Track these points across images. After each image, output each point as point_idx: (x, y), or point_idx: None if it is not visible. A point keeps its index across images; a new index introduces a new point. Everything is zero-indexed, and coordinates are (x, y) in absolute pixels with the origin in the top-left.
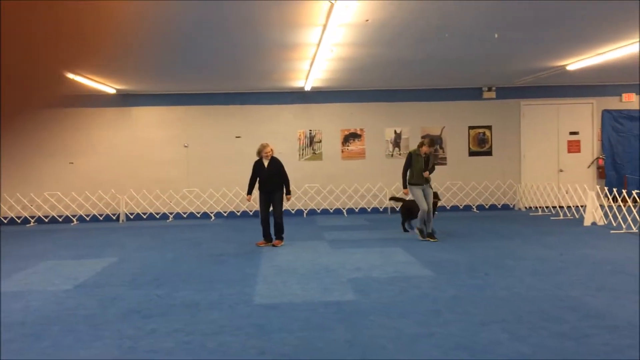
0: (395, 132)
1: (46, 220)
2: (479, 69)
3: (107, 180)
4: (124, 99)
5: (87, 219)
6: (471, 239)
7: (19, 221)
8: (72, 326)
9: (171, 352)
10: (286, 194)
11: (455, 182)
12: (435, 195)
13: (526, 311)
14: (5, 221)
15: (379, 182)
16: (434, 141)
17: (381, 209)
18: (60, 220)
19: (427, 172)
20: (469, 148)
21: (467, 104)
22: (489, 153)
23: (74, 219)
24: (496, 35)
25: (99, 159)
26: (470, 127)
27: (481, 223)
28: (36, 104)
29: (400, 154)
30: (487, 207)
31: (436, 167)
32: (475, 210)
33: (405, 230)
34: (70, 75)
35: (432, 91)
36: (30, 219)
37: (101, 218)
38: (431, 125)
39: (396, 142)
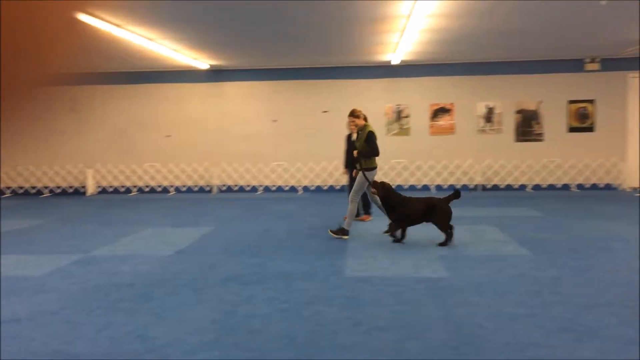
0: (487, 106)
1: (146, 190)
2: (581, 38)
3: (201, 153)
4: (216, 74)
5: (183, 189)
6: (571, 219)
7: (122, 190)
8: (176, 289)
9: (268, 318)
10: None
11: (553, 159)
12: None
13: (633, 296)
14: (110, 190)
15: (468, 158)
16: (352, 112)
17: (471, 186)
18: (158, 190)
19: (355, 152)
20: (569, 124)
21: (567, 76)
22: (590, 129)
23: (171, 190)
24: (603, 2)
25: (193, 132)
26: (571, 102)
27: (581, 203)
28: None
29: (492, 130)
30: (587, 186)
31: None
32: (574, 189)
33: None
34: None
35: (528, 63)
36: (132, 188)
37: (195, 189)
38: (527, 99)
39: (488, 117)
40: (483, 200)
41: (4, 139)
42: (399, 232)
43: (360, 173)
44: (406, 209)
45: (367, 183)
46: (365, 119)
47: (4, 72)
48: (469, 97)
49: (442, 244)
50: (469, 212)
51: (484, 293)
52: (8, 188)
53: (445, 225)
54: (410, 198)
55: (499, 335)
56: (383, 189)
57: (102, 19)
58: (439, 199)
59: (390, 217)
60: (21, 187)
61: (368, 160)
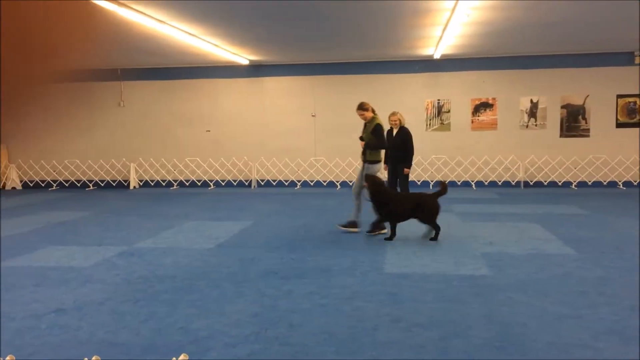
0: (531, 101)
1: (187, 184)
2: (631, 30)
3: (240, 147)
4: (255, 70)
5: (223, 184)
6: (617, 217)
7: (163, 184)
8: (216, 282)
9: (308, 313)
10: (404, 167)
11: (599, 155)
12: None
13: None
14: (152, 184)
15: (511, 154)
16: (361, 105)
17: (513, 183)
18: (198, 184)
19: (361, 143)
20: (617, 119)
21: (616, 70)
22: (639, 125)
23: (211, 184)
24: None
25: (232, 127)
26: (619, 96)
27: (628, 201)
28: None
29: (536, 125)
30: (635, 183)
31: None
32: (621, 186)
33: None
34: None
35: (574, 56)
36: (173, 182)
37: (235, 184)
38: (573, 93)
39: (532, 112)
40: (525, 197)
41: (52, 133)
42: (386, 230)
43: (366, 166)
44: (396, 206)
45: (376, 174)
46: (373, 111)
47: (16, 69)
48: (512, 92)
49: (434, 238)
50: (511, 209)
51: (528, 292)
52: (54, 181)
53: (433, 221)
54: (399, 194)
55: (544, 335)
56: (374, 184)
57: (148, 15)
58: (428, 194)
59: (379, 214)
60: (67, 180)
61: (373, 153)
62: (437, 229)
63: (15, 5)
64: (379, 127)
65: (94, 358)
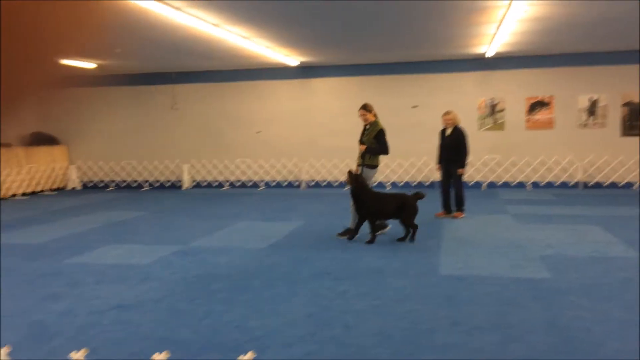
0: (590, 99)
1: (237, 185)
2: None
3: (290, 148)
4: (304, 71)
5: (273, 184)
6: None
7: (215, 185)
8: (270, 282)
9: (362, 314)
10: (458, 167)
11: None
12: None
13: None
14: (204, 184)
15: (568, 154)
16: (365, 105)
17: (571, 184)
18: (249, 185)
19: (362, 146)
20: None
21: None
22: None
23: (261, 184)
24: None
25: (282, 128)
26: None
27: None
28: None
29: (595, 124)
30: None
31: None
32: None
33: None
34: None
35: (636, 53)
36: (224, 183)
37: (284, 184)
38: (635, 90)
39: (591, 111)
40: (584, 199)
41: (110, 136)
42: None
43: (365, 170)
44: (378, 205)
45: (371, 179)
46: (375, 115)
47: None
48: (570, 90)
49: (412, 239)
50: (570, 210)
51: (591, 296)
52: (112, 181)
53: (413, 222)
54: (381, 194)
55: (610, 341)
56: (356, 182)
57: (202, 19)
58: (410, 196)
59: (358, 212)
60: (123, 181)
61: (373, 157)
62: (415, 228)
63: (18, 5)
64: (382, 132)
65: (164, 353)
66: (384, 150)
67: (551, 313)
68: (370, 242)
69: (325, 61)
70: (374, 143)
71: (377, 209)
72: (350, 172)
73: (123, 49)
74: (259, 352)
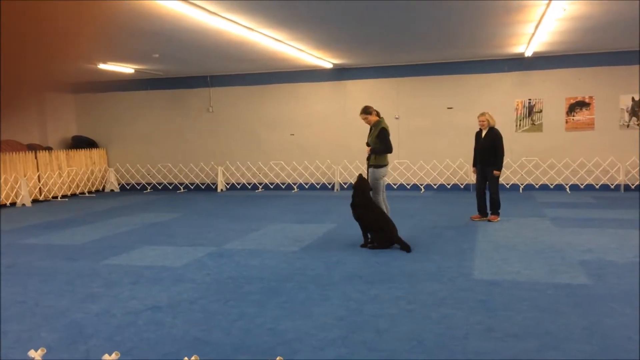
0: (632, 99)
1: (271, 187)
2: None
3: (323, 151)
4: (339, 73)
5: (306, 187)
6: None
7: (249, 187)
8: (303, 285)
9: (395, 318)
10: (494, 169)
11: None
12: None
13: None
14: (238, 187)
15: (610, 156)
16: (365, 108)
17: (612, 186)
18: (283, 187)
19: (368, 148)
20: None
21: None
22: None
23: (295, 187)
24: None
25: (316, 131)
26: None
27: None
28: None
29: (638, 124)
30: None
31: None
32: None
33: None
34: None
35: None
36: (258, 185)
37: (318, 187)
38: None
39: (634, 111)
40: (626, 202)
41: (146, 139)
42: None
43: (371, 170)
44: (368, 215)
45: (382, 179)
46: (378, 114)
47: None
48: (612, 89)
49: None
50: (611, 214)
51: (632, 303)
52: (148, 184)
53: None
54: (377, 209)
55: None
56: (360, 187)
57: (237, 23)
58: (388, 219)
59: (354, 213)
60: (160, 183)
61: (379, 157)
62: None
63: (21, 6)
64: (383, 130)
65: (193, 358)
66: (387, 149)
67: (590, 320)
68: (364, 245)
69: (360, 63)
70: (378, 143)
71: (367, 219)
72: (360, 176)
73: (160, 54)
74: (290, 355)
